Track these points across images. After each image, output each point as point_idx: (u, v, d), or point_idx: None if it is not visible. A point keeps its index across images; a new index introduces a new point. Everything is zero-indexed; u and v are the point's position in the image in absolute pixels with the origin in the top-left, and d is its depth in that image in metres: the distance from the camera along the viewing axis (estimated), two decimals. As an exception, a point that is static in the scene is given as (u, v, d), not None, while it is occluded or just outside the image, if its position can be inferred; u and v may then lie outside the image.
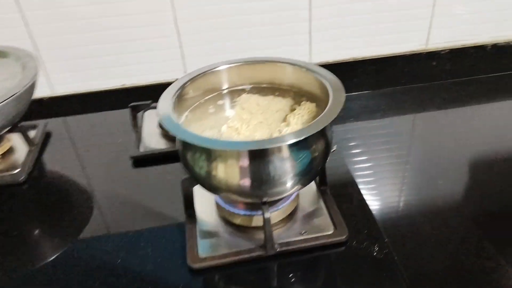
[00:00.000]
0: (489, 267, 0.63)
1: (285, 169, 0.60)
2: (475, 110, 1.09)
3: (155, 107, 1.00)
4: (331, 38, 1.12)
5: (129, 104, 1.07)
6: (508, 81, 1.19)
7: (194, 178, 0.65)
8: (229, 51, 1.09)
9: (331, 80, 0.69)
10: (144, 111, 1.00)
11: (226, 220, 0.72)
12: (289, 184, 0.62)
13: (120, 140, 0.95)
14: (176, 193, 0.74)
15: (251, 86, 0.79)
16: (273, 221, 0.67)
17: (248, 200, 0.65)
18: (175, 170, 0.85)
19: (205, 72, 0.75)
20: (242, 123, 0.69)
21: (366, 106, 1.12)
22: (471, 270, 0.63)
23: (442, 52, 1.18)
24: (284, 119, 0.70)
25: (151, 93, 1.09)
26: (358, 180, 0.81)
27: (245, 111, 0.72)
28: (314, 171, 0.64)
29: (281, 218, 0.71)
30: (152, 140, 0.94)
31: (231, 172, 0.59)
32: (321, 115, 0.59)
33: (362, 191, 0.78)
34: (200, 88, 0.75)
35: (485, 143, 0.94)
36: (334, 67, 1.12)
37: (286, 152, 0.59)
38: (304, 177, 0.62)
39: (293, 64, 0.75)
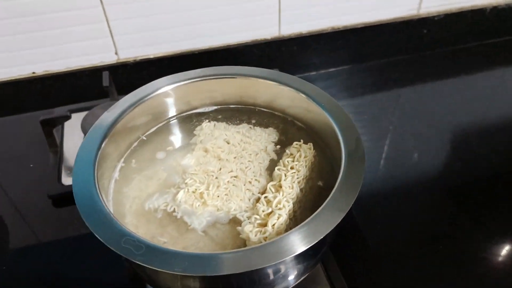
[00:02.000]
0: (461, 237, 0.58)
1: (282, 273, 0.40)
2: (466, 82, 0.94)
3: (80, 110, 0.74)
4: (305, 2, 0.88)
5: (41, 100, 0.80)
6: (506, 47, 1.02)
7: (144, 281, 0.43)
8: (173, 18, 0.82)
9: (327, 103, 0.47)
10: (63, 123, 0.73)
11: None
12: (289, 280, 0.42)
13: (32, 165, 0.69)
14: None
15: (214, 108, 0.55)
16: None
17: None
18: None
19: (145, 97, 0.50)
20: (207, 181, 0.46)
21: (346, 83, 0.93)
22: (445, 241, 0.58)
23: (436, 18, 0.97)
24: (269, 172, 0.48)
25: (73, 85, 0.82)
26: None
27: (209, 156, 0.50)
28: (321, 255, 0.44)
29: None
30: (79, 158, 0.69)
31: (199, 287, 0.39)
32: (331, 198, 0.39)
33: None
34: (139, 118, 0.51)
35: (472, 115, 0.83)
36: (309, 39, 0.91)
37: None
38: (308, 270, 0.43)
39: (268, 78, 0.52)
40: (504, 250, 0.57)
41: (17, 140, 0.75)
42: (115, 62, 0.84)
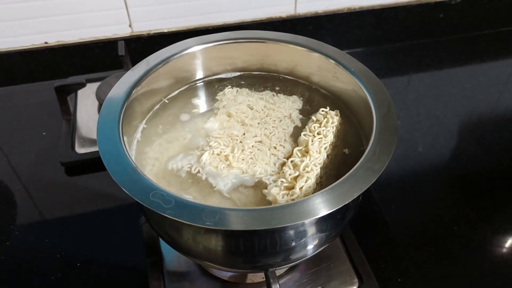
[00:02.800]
0: (467, 230, 0.58)
1: (307, 237, 0.39)
2: (481, 69, 0.92)
3: (94, 80, 0.73)
4: (322, -19, 0.87)
5: (54, 71, 0.78)
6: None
7: (163, 240, 0.42)
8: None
9: (357, 68, 0.46)
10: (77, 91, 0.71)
11: (209, 274, 0.51)
12: (309, 249, 0.41)
13: (44, 133, 0.68)
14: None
15: (236, 74, 0.54)
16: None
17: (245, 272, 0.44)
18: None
19: (170, 57, 0.49)
20: (232, 144, 0.45)
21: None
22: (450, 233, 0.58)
23: (453, 2, 0.96)
24: (293, 138, 0.47)
25: (85, 56, 0.81)
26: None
27: (233, 120, 0.48)
28: (345, 225, 0.43)
29: (285, 270, 0.51)
30: (93, 128, 0.68)
31: (222, 246, 0.38)
32: (365, 158, 0.38)
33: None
34: (163, 80, 0.49)
35: (486, 103, 0.82)
36: (324, 19, 0.90)
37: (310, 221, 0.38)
38: (330, 239, 0.42)
39: (296, 43, 0.51)
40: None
41: (30, 109, 0.74)
42: (128, 35, 0.83)
